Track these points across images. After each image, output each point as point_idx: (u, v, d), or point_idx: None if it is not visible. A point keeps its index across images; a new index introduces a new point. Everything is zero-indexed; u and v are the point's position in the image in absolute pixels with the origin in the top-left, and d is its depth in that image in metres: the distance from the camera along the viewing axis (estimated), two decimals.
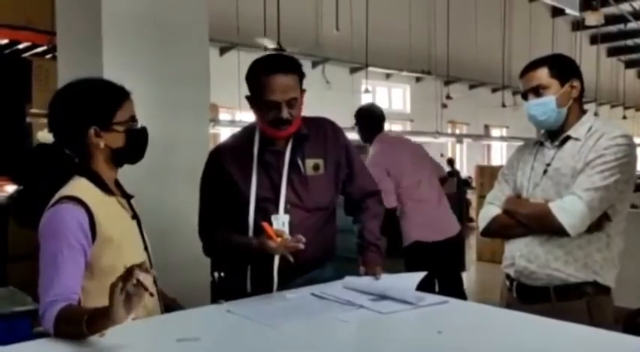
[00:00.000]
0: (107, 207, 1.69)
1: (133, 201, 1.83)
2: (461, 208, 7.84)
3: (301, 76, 1.98)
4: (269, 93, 1.91)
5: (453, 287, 3.73)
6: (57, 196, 1.64)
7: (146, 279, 1.32)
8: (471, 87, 16.23)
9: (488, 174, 7.46)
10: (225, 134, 9.57)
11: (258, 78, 1.94)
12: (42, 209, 1.64)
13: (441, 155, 13.96)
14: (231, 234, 2.02)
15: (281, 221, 1.97)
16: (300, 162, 2.03)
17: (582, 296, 1.97)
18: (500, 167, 2.33)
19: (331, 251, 2.17)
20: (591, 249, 1.96)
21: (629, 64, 22.76)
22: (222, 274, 3.10)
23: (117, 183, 1.81)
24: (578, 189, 1.91)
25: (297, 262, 1.86)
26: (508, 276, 2.13)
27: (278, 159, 2.02)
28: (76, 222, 1.59)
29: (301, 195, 2.02)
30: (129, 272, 1.31)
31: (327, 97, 10.20)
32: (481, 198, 7.14)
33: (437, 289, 3.66)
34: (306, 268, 2.03)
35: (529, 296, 2.04)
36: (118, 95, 1.73)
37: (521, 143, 2.33)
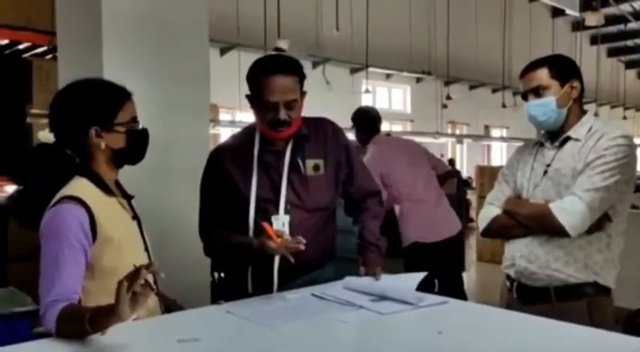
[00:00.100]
0: (108, 207, 1.69)
1: (133, 201, 1.83)
2: (461, 208, 7.84)
3: (302, 77, 1.98)
4: (268, 93, 1.91)
5: (454, 288, 3.73)
6: (58, 196, 1.64)
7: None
8: (471, 87, 16.23)
9: (488, 175, 7.46)
10: (225, 134, 9.58)
11: (258, 78, 1.94)
12: (43, 209, 1.64)
13: (441, 155, 13.94)
14: (231, 234, 2.02)
15: (281, 221, 1.97)
16: (300, 163, 2.03)
17: (582, 296, 1.97)
18: (501, 167, 2.33)
19: (331, 251, 2.17)
20: (591, 250, 1.96)
21: (629, 65, 22.76)
22: (222, 275, 3.11)
23: (117, 184, 1.81)
24: (579, 190, 1.91)
25: (297, 263, 1.86)
26: (508, 277, 2.13)
27: (278, 159, 2.02)
28: (77, 222, 1.59)
29: (301, 196, 2.02)
30: (137, 272, 1.32)
31: (327, 98, 10.20)
32: (481, 198, 7.14)
33: (437, 289, 3.66)
34: (306, 269, 2.03)
35: (529, 296, 2.04)
36: (120, 96, 1.73)
37: (521, 143, 2.33)
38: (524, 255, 2.03)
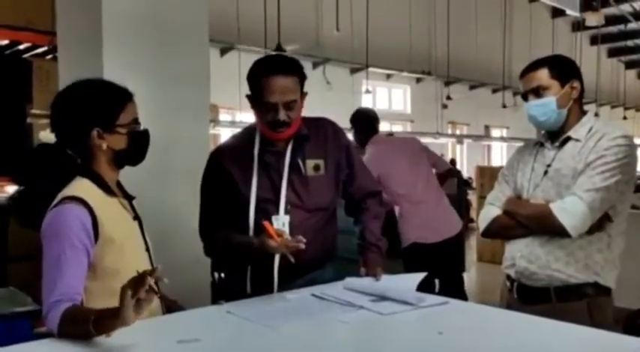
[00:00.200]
0: (109, 207, 1.69)
1: (134, 202, 1.84)
2: (461, 209, 7.84)
3: (302, 78, 1.98)
4: (267, 94, 1.91)
5: (454, 288, 3.73)
6: (59, 197, 1.64)
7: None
8: (472, 87, 16.22)
9: (488, 175, 7.47)
10: (225, 135, 9.57)
11: (258, 78, 1.94)
12: (44, 209, 1.64)
13: (441, 155, 13.93)
14: (231, 234, 2.02)
15: (281, 222, 1.97)
16: (300, 163, 2.03)
17: (583, 297, 1.97)
18: (501, 168, 2.33)
19: (332, 252, 2.17)
20: (592, 250, 1.96)
21: (629, 65, 22.74)
22: (222, 275, 3.11)
23: (118, 184, 1.81)
24: (579, 190, 1.91)
25: (297, 263, 1.86)
26: (509, 277, 2.13)
27: (278, 159, 2.02)
28: (79, 222, 1.59)
29: (302, 196, 2.02)
30: (141, 278, 1.32)
31: (327, 98, 10.18)
32: (481, 198, 7.14)
33: (437, 290, 3.65)
34: (307, 269, 2.03)
35: (529, 297, 2.03)
36: (122, 97, 1.73)
37: (521, 144, 2.33)
38: (525, 255, 2.03)
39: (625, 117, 20.70)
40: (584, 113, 2.07)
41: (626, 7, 16.45)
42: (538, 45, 15.31)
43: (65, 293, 1.52)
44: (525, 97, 2.06)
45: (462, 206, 8.46)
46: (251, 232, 1.98)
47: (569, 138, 2.02)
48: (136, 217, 1.81)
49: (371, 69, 12.87)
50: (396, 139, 4.66)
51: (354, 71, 13.20)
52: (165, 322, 1.73)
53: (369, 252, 2.13)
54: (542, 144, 2.12)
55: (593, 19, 12.52)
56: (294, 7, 10.90)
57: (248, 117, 8.22)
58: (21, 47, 5.02)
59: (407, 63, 13.93)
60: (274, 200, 2.00)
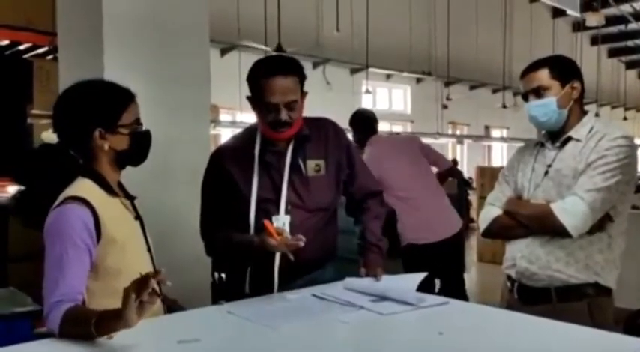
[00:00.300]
0: (111, 208, 1.70)
1: (135, 202, 1.84)
2: (462, 209, 7.84)
3: (302, 78, 1.98)
4: (268, 95, 1.92)
5: (455, 288, 3.72)
6: (62, 197, 1.64)
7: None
8: (472, 88, 16.22)
9: (488, 175, 7.46)
10: (225, 135, 9.57)
11: (258, 79, 1.95)
12: (46, 209, 1.64)
13: None
14: (232, 233, 2.02)
15: (282, 222, 1.97)
16: (301, 163, 2.03)
17: (583, 297, 1.97)
18: (501, 168, 2.33)
19: (332, 252, 2.18)
20: (592, 250, 1.96)
21: (629, 65, 22.74)
22: (222, 275, 3.11)
23: (120, 185, 1.81)
24: (580, 190, 1.91)
25: (297, 263, 1.86)
26: (509, 277, 2.13)
27: (279, 159, 2.02)
28: (81, 222, 1.59)
29: (302, 196, 2.02)
30: (144, 281, 1.32)
31: (327, 98, 10.19)
32: (482, 198, 7.14)
33: (437, 290, 3.65)
34: (307, 269, 2.03)
35: (530, 297, 2.04)
36: (124, 97, 1.73)
37: (521, 144, 2.33)
38: (525, 255, 2.03)
39: (625, 118, 20.69)
40: (584, 113, 2.07)
41: (626, 8, 16.46)
42: (538, 45, 15.30)
43: (67, 294, 1.52)
44: (526, 98, 2.07)
45: (462, 206, 8.46)
46: (251, 232, 1.98)
47: (569, 139, 2.02)
48: (138, 217, 1.81)
49: (371, 69, 12.88)
50: (395, 139, 4.65)
51: (354, 71, 13.21)
52: (166, 322, 1.73)
53: (369, 252, 2.13)
54: (542, 145, 2.12)
55: (593, 19, 12.53)
56: (294, 8, 10.90)
57: (248, 117, 8.22)
58: (21, 47, 5.03)
59: (407, 63, 13.94)
60: (275, 200, 2.00)
